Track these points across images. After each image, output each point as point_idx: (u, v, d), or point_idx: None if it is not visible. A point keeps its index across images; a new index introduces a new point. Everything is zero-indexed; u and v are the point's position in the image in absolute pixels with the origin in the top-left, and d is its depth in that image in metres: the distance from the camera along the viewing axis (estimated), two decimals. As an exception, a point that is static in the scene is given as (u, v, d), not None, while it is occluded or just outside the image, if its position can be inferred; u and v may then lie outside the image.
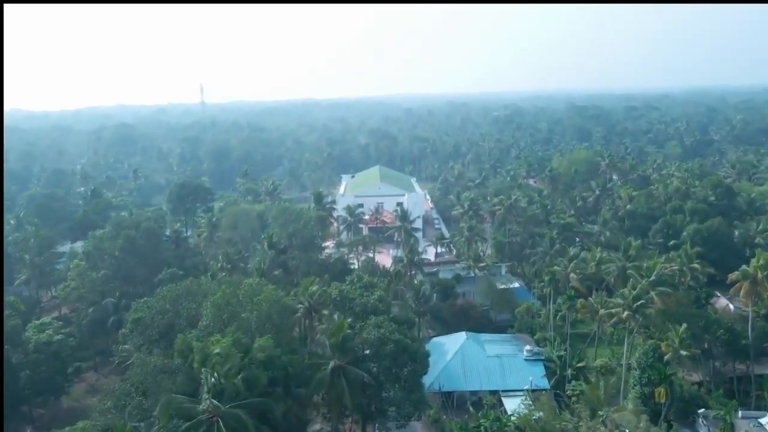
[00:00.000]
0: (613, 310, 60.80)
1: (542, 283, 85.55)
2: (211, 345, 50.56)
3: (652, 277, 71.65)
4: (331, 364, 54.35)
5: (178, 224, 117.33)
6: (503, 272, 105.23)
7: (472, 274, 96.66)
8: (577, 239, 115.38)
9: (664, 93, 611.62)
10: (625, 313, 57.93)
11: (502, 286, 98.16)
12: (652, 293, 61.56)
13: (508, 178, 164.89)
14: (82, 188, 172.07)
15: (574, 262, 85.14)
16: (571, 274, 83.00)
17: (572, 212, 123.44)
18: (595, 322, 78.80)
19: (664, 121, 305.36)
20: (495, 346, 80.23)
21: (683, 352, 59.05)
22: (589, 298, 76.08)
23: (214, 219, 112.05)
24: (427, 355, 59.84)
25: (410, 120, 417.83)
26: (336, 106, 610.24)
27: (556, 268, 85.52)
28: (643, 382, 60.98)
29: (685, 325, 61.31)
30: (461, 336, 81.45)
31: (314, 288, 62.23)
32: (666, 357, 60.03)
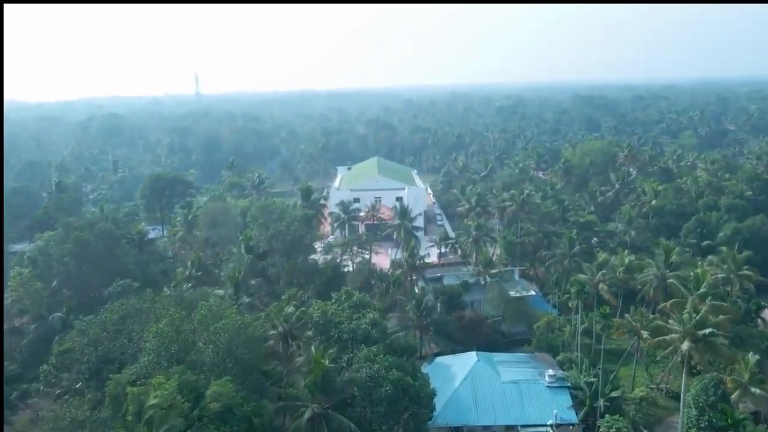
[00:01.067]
0: (668, 338, 48.35)
1: (567, 295, 72.89)
2: (152, 390, 38.39)
3: (702, 290, 59.44)
4: (309, 411, 42.16)
5: (143, 223, 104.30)
6: (516, 277, 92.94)
7: (482, 282, 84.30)
8: (595, 240, 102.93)
9: (667, 84, 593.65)
10: (686, 343, 45.50)
11: (516, 294, 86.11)
12: (714, 317, 48.72)
13: (517, 170, 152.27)
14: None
15: (603, 270, 72.55)
16: (601, 285, 70.52)
17: (592, 209, 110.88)
18: (628, 338, 66.92)
19: (676, 110, 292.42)
20: (511, 369, 67.90)
21: (755, 390, 46.71)
22: (627, 316, 63.69)
23: (190, 217, 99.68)
24: (432, 395, 47.66)
25: (411, 110, 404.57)
26: (335, 97, 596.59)
27: (582, 276, 73.13)
28: (702, 425, 48.95)
29: (756, 356, 48.92)
30: (471, 357, 69.21)
31: (290, 309, 49.76)
32: (732, 396, 47.71)
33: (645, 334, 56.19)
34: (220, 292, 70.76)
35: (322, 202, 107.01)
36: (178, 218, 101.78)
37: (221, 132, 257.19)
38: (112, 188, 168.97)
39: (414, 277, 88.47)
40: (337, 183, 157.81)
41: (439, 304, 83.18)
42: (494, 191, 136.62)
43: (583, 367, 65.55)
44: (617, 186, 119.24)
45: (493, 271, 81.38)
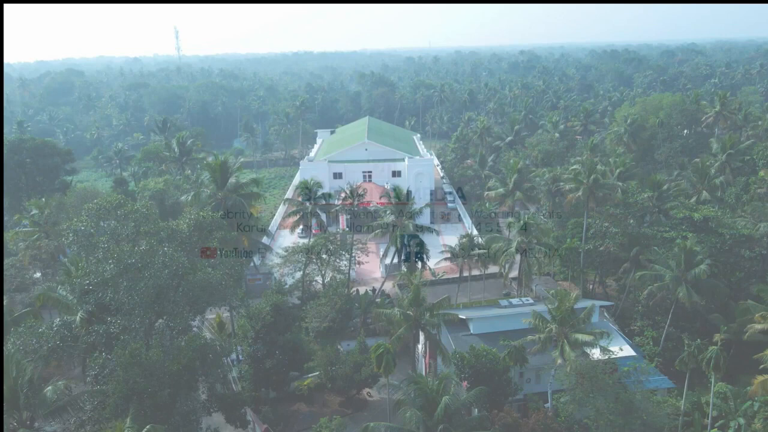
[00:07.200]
0: None
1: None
2: None
3: None
4: None
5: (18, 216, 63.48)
6: (596, 317, 53.10)
7: (552, 348, 44.56)
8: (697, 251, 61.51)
9: (689, 43, 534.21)
10: None
11: (599, 354, 46.22)
12: None
13: (557, 135, 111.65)
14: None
15: None
16: None
17: (705, 195, 70.36)
18: None
19: (724, 63, 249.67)
20: None
21: None
22: None
23: (47, 211, 59.96)
24: None
25: (412, 68, 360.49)
26: (331, 57, 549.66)
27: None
28: None
29: None
30: None
31: None
32: None
33: None
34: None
35: (247, 189, 62.78)
36: (33, 212, 61.72)
37: (185, 90, 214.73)
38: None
39: (422, 326, 49.11)
40: (313, 152, 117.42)
41: (465, 381, 45.01)
42: (529, 162, 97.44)
43: None
44: (723, 158, 78.85)
45: (581, 337, 41.50)
